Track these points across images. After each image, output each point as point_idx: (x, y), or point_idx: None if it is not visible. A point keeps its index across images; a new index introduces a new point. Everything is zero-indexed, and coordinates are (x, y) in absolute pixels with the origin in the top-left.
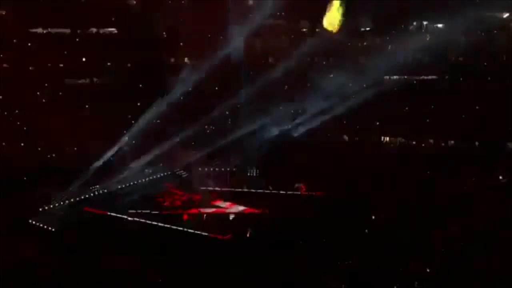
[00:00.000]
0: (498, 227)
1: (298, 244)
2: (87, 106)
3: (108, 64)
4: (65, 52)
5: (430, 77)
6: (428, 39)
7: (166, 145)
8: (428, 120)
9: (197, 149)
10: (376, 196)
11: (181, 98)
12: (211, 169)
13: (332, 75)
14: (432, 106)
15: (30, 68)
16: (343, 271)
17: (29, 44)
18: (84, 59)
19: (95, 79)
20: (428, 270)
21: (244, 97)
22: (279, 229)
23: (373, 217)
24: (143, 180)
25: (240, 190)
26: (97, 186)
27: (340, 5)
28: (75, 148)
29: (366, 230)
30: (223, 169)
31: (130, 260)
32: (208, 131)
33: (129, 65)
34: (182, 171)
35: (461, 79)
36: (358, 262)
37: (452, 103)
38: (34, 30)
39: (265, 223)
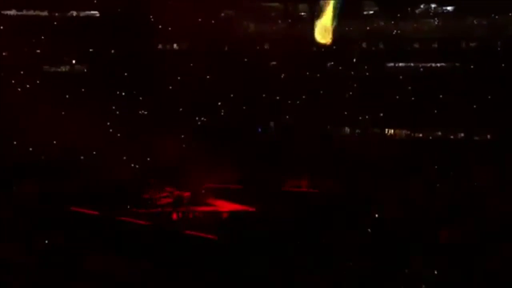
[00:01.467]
0: None
1: (296, 244)
2: (67, 96)
3: (90, 50)
4: (43, 37)
5: (438, 64)
6: (436, 23)
7: (154, 138)
8: (436, 111)
9: (187, 142)
10: (380, 193)
11: (170, 87)
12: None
13: (332, 62)
14: (440, 96)
15: (4, 54)
16: (344, 273)
17: (1, 28)
18: (63, 45)
19: (76, 66)
20: (435, 272)
21: (237, 86)
22: (276, 228)
23: (376, 215)
24: (130, 176)
25: (233, 186)
26: (81, 183)
27: (336, 6)
28: (54, 142)
29: (369, 230)
30: (215, 165)
31: (116, 261)
32: (199, 123)
33: (113, 51)
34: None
35: (472, 66)
36: (360, 264)
37: (462, 92)
38: (6, 12)
39: (261, 222)
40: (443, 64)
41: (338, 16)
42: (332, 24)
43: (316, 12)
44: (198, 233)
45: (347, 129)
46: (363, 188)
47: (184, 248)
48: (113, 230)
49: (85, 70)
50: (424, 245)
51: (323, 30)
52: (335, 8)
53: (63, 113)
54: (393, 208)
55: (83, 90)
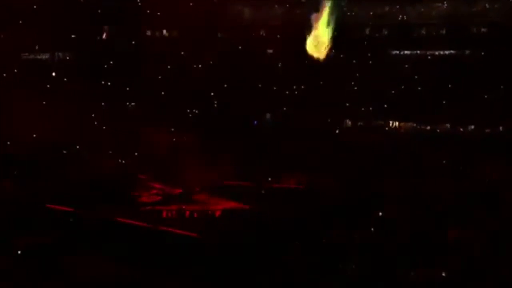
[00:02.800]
0: None
1: (294, 244)
2: (48, 86)
3: (73, 36)
4: (21, 22)
5: (447, 51)
6: (445, 7)
7: (143, 131)
8: (444, 102)
9: (178, 135)
10: (384, 190)
11: (159, 77)
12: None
13: (333, 50)
14: (449, 85)
15: None
16: (345, 275)
17: None
18: (43, 31)
19: (57, 54)
20: (444, 275)
21: (232, 76)
22: (273, 227)
23: (380, 213)
24: (117, 172)
25: (227, 183)
26: (62, 179)
27: (332, 15)
28: (34, 135)
29: (372, 229)
30: (208, 160)
31: (99, 264)
32: (190, 115)
33: (98, 37)
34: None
35: (483, 53)
36: (362, 265)
37: (473, 82)
38: None
39: (256, 220)
40: (452, 51)
41: (334, 27)
42: (327, 36)
43: (309, 22)
44: (191, 233)
45: (349, 122)
46: (365, 185)
47: (176, 249)
48: (98, 230)
49: (68, 58)
50: (430, 246)
51: (317, 42)
52: (330, 18)
53: (43, 104)
54: (397, 207)
55: (65, 79)
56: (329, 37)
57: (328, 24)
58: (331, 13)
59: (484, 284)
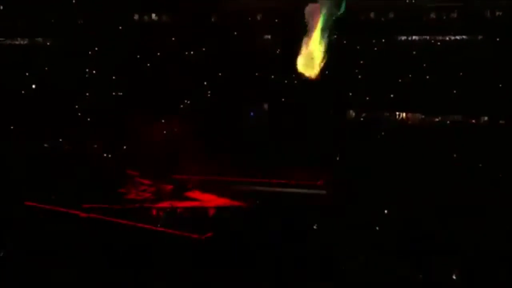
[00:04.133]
0: None
1: (293, 244)
2: (27, 74)
3: (53, 21)
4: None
5: (458, 36)
6: None
7: (130, 122)
8: (455, 91)
9: (169, 127)
10: (390, 186)
11: (148, 64)
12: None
13: (334, 36)
14: (461, 73)
15: None
16: (347, 278)
17: None
18: (21, 14)
19: (37, 40)
20: (454, 277)
21: (226, 63)
22: (270, 226)
23: (386, 211)
24: (103, 166)
25: (222, 178)
26: (45, 175)
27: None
28: (12, 127)
29: (377, 228)
30: (202, 154)
31: (83, 266)
32: (182, 106)
33: (80, 21)
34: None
35: (498, 39)
36: (366, 267)
37: (486, 70)
38: None
39: (253, 219)
40: (463, 36)
41: (329, 42)
42: (320, 52)
43: (300, 36)
44: (183, 232)
45: (352, 113)
46: (369, 181)
47: (167, 249)
48: (82, 229)
49: (48, 44)
50: (441, 247)
51: (309, 59)
52: (324, 31)
53: (22, 93)
54: (404, 204)
55: (46, 68)
56: (323, 52)
57: (321, 39)
58: (325, 26)
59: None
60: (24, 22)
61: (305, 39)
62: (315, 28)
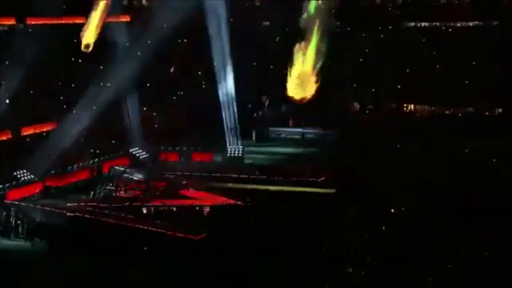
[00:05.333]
0: None
1: (292, 245)
2: (7, 63)
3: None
4: None
5: (470, 23)
6: None
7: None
8: (467, 81)
9: (161, 119)
10: (397, 183)
11: (138, 52)
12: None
13: (338, 22)
14: (474, 62)
15: None
16: (351, 281)
17: None
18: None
19: (17, 26)
20: (465, 280)
21: (221, 52)
22: (268, 226)
23: (393, 210)
24: (87, 161)
25: (217, 176)
26: (22, 171)
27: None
28: None
29: (383, 227)
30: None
31: (69, 267)
32: (174, 97)
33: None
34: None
35: None
36: (372, 269)
37: (499, 58)
38: None
39: (249, 218)
40: (477, 22)
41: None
42: (313, 71)
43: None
44: (175, 232)
45: (357, 105)
46: (375, 177)
47: (157, 251)
48: (67, 229)
49: (30, 30)
50: (454, 248)
51: (302, 79)
52: (318, 51)
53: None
54: (414, 201)
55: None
56: (315, 75)
57: (315, 59)
58: (318, 45)
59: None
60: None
61: (296, 62)
62: (308, 49)
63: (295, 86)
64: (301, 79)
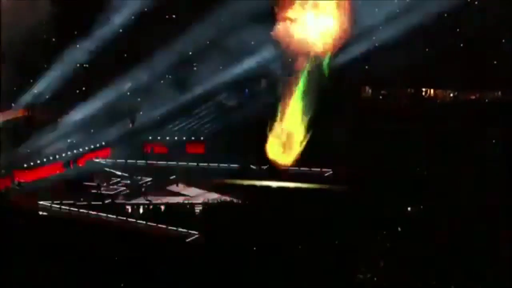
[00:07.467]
0: None
1: (292, 245)
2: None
3: None
4: None
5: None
6: None
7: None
8: (495, 62)
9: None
10: (414, 177)
11: (114, 34)
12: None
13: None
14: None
15: None
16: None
17: None
18: None
19: None
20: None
21: (217, 34)
22: (266, 226)
23: (409, 208)
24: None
25: (212, 167)
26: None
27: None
28: None
29: (399, 228)
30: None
31: (47, 269)
32: (167, 92)
33: None
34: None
35: None
36: (384, 275)
37: None
38: None
39: (246, 217)
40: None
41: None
42: (300, 135)
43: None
44: (166, 232)
45: (368, 90)
46: (391, 170)
47: (145, 251)
48: (46, 228)
49: None
50: (477, 250)
51: (285, 143)
52: (305, 108)
53: None
54: (433, 197)
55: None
56: (303, 136)
57: (302, 118)
58: (305, 102)
59: None
60: None
61: (279, 120)
62: (291, 106)
63: (276, 148)
64: (283, 141)
